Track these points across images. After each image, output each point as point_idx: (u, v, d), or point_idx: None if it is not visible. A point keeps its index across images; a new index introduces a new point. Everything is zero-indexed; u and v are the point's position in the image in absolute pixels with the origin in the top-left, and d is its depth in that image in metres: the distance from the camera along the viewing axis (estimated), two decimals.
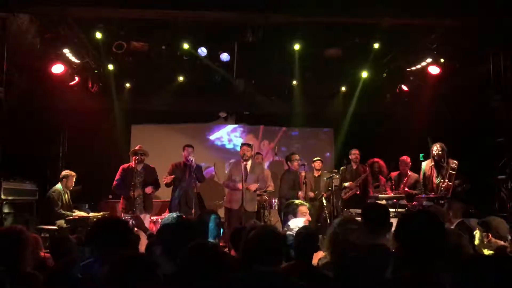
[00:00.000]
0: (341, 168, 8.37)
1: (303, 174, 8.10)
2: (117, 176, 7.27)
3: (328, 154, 10.68)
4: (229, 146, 10.74)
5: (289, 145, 10.66)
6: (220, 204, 9.14)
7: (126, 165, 7.41)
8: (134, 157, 7.28)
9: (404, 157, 7.81)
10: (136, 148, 7.41)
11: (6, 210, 6.59)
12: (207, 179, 9.03)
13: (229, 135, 10.77)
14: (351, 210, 7.10)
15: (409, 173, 7.65)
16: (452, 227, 4.77)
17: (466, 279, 1.82)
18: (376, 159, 8.37)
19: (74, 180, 7.37)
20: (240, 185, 7.35)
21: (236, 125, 10.79)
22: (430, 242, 2.13)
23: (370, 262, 2.78)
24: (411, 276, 2.06)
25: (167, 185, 7.43)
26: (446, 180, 6.70)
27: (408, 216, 2.35)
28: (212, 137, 10.70)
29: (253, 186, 7.33)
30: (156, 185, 7.42)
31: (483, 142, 7.17)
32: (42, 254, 4.38)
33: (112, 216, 6.42)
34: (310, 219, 4.57)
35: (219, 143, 10.72)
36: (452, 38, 7.13)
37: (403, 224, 2.26)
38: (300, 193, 7.85)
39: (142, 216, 6.92)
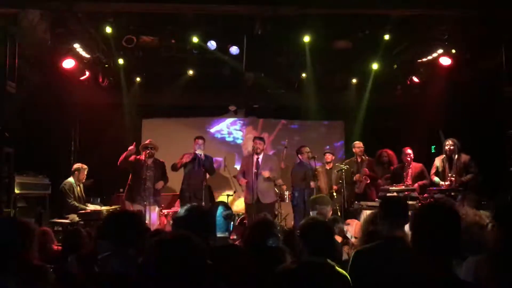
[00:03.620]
0: (346, 161, 8.35)
1: (315, 167, 8.11)
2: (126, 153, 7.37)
3: (337, 144, 10.70)
4: (229, 139, 10.79)
5: (293, 137, 10.63)
6: (229, 197, 9.19)
7: (138, 156, 7.50)
8: (144, 152, 7.36)
9: (405, 148, 7.75)
10: (146, 142, 7.49)
11: (19, 204, 6.67)
12: (217, 172, 9.05)
13: (229, 128, 10.81)
14: (361, 202, 7.09)
15: (412, 163, 7.61)
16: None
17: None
18: (385, 150, 8.30)
19: (86, 173, 7.44)
20: (242, 180, 7.45)
21: (236, 118, 10.81)
22: (446, 237, 2.11)
23: (388, 254, 2.81)
24: (430, 275, 2.05)
25: (174, 167, 7.52)
26: (454, 174, 6.71)
27: (423, 209, 2.32)
28: (213, 130, 10.75)
29: (266, 173, 7.34)
30: (165, 180, 7.57)
31: (495, 133, 7.10)
32: (55, 247, 4.44)
33: (125, 209, 6.50)
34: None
35: (219, 136, 10.77)
36: (463, 28, 7.04)
37: (418, 217, 2.25)
38: (312, 183, 7.89)
39: (152, 208, 7.09)
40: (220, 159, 9.90)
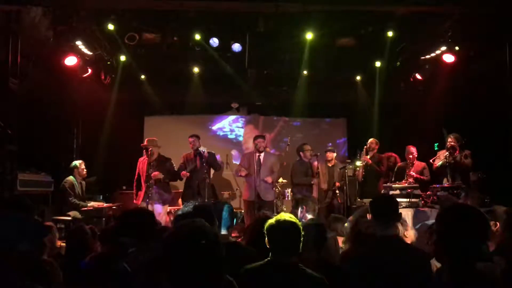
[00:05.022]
0: (357, 156, 8.29)
1: (315, 164, 8.10)
2: (136, 172, 7.45)
3: (339, 141, 10.71)
4: (231, 136, 10.81)
5: (295, 134, 10.60)
6: (232, 195, 9.19)
7: (142, 158, 7.50)
8: (144, 151, 7.40)
9: (408, 147, 7.72)
10: (144, 143, 7.49)
11: None
12: (220, 170, 9.04)
13: (230, 126, 10.82)
14: (364, 200, 7.07)
15: (416, 162, 7.59)
16: None
17: None
18: (392, 154, 8.22)
19: (84, 167, 7.44)
20: (242, 172, 7.41)
21: (237, 116, 10.81)
22: (473, 239, 2.06)
23: (382, 253, 2.78)
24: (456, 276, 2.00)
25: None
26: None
27: (451, 211, 2.23)
28: (214, 127, 10.76)
29: (269, 179, 7.36)
30: (171, 175, 7.49)
31: (498, 131, 7.07)
32: (58, 243, 4.44)
33: (138, 207, 6.52)
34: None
35: (221, 133, 10.77)
36: (467, 25, 7.00)
37: (445, 218, 2.18)
38: (314, 180, 7.92)
39: (158, 206, 7.07)
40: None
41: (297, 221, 2.76)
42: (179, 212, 3.04)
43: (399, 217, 3.08)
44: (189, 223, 1.92)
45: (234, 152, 10.48)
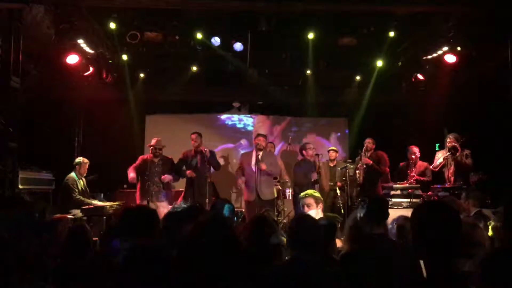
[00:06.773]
0: (356, 158, 8.30)
1: (317, 163, 8.10)
2: (135, 164, 7.39)
3: (342, 141, 10.69)
4: (239, 125, 10.80)
5: (301, 134, 10.62)
6: (235, 193, 9.19)
7: (145, 156, 7.51)
8: (150, 150, 7.39)
9: (411, 147, 7.73)
10: (153, 143, 7.48)
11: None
12: (222, 167, 9.04)
13: (239, 115, 10.83)
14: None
15: (418, 162, 7.59)
16: (471, 215, 4.76)
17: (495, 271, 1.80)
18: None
19: (87, 167, 7.44)
20: (240, 181, 7.38)
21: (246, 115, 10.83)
22: (447, 234, 2.06)
23: (372, 252, 2.82)
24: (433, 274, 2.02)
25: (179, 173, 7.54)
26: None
27: (423, 207, 2.30)
28: (223, 116, 10.76)
29: (263, 165, 7.27)
30: (175, 175, 7.53)
31: (500, 131, 7.06)
32: None
33: (138, 205, 6.49)
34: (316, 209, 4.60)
35: (229, 122, 10.78)
36: (469, 26, 7.00)
37: (418, 215, 2.20)
38: (315, 175, 7.89)
39: (161, 204, 7.07)
40: (231, 145, 9.98)
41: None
42: (171, 210, 3.02)
43: (387, 216, 3.14)
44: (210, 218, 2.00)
45: (244, 142, 10.47)
